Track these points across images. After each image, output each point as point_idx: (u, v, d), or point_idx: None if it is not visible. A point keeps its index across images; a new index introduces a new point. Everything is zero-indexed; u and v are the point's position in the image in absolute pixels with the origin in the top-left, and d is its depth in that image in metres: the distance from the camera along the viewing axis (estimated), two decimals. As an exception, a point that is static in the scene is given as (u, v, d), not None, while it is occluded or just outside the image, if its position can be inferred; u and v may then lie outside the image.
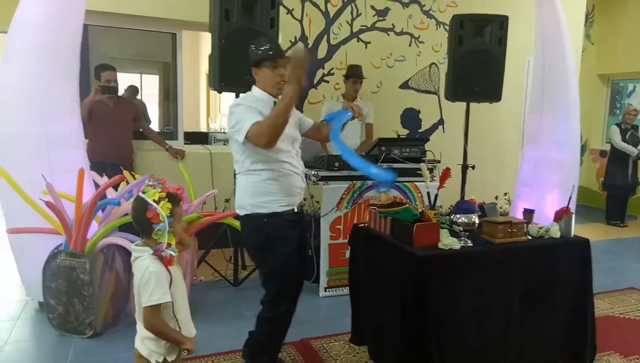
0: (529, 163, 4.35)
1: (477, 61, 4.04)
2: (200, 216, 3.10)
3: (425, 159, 3.73)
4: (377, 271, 2.45)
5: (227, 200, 4.31)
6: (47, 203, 2.69)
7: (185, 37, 4.60)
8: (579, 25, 6.03)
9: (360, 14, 4.96)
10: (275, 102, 2.17)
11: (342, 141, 2.25)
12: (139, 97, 6.33)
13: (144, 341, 1.65)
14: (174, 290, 1.66)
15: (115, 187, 3.11)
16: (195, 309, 3.04)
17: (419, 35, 5.24)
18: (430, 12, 5.25)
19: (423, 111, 5.39)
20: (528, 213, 2.60)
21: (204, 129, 8.25)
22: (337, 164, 3.43)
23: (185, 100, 4.79)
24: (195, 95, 8.67)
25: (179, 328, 1.69)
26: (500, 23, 4.04)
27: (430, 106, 5.40)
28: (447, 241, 2.20)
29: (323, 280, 3.52)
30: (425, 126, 5.42)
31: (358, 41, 4.98)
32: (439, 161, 3.78)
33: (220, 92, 3.57)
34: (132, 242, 2.66)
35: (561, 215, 2.53)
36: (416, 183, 3.63)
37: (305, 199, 2.46)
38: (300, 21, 4.71)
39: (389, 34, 5.11)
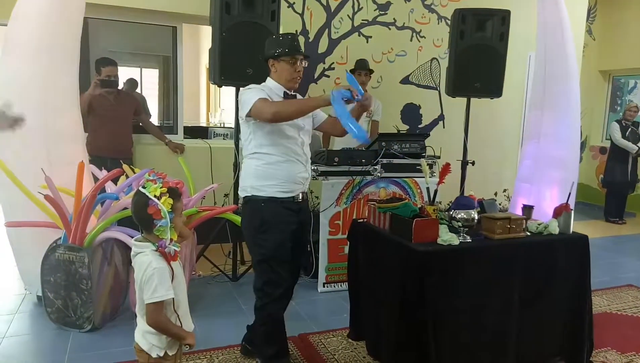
0: (528, 159, 4.34)
1: (478, 56, 4.03)
2: (199, 211, 3.09)
3: (425, 154, 3.73)
4: (376, 266, 2.45)
5: (226, 195, 4.31)
6: (46, 197, 2.69)
7: (185, 31, 4.58)
8: (581, 21, 6.00)
9: (362, 8, 4.93)
10: (285, 93, 2.25)
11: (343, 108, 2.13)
12: (138, 90, 6.32)
13: (145, 335, 1.65)
14: (175, 285, 1.66)
15: (115, 181, 3.11)
16: (193, 304, 3.08)
17: (420, 30, 5.22)
18: (432, 6, 5.23)
19: (423, 107, 5.37)
20: (527, 209, 2.60)
21: (203, 123, 8.23)
22: (336, 159, 3.42)
23: (185, 94, 4.77)
24: (195, 89, 8.65)
25: (180, 323, 1.69)
26: (502, 18, 4.03)
27: (430, 102, 5.39)
28: (446, 237, 2.20)
29: (322, 276, 3.52)
30: (425, 121, 5.41)
31: (359, 35, 4.96)
32: (438, 157, 3.77)
33: (220, 86, 3.56)
34: (131, 237, 2.67)
35: (560, 212, 2.52)
36: (416, 179, 3.63)
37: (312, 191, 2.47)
38: (301, 15, 4.69)
39: (390, 29, 5.09)
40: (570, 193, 2.78)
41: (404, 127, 5.27)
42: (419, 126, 5.37)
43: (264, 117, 2.10)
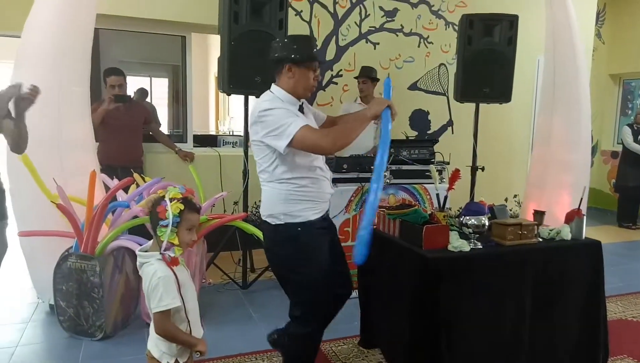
0: (539, 164, 4.31)
1: (486, 61, 4.01)
2: (209, 219, 3.11)
3: (434, 160, 3.71)
4: (386, 273, 2.44)
5: (235, 203, 4.32)
6: (59, 206, 2.72)
7: (194, 40, 4.62)
8: (590, 24, 5.97)
9: (369, 15, 4.95)
10: (300, 107, 2.04)
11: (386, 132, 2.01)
12: (148, 99, 6.38)
13: (157, 343, 1.66)
14: (184, 292, 1.66)
15: (126, 190, 3.13)
16: (204, 312, 3.06)
17: (428, 36, 5.22)
18: (439, 12, 5.23)
19: (432, 112, 5.36)
20: (538, 214, 2.57)
21: (213, 131, 8.29)
22: (345, 165, 3.42)
23: (195, 103, 4.81)
24: (205, 98, 8.71)
25: (190, 330, 1.69)
26: (510, 22, 4.01)
27: (439, 107, 5.38)
28: (457, 244, 2.19)
29: (332, 282, 3.50)
30: (434, 127, 5.39)
31: (367, 42, 4.97)
32: (448, 163, 3.75)
33: (229, 94, 3.59)
34: (141, 245, 2.68)
35: (572, 217, 2.50)
36: (425, 185, 3.61)
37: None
38: (309, 23, 4.72)
39: (397, 35, 5.09)
40: (582, 198, 2.75)
41: (412, 134, 5.26)
42: (428, 132, 5.36)
43: (319, 151, 1.95)
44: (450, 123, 5.44)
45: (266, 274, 3.67)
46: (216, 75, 4.32)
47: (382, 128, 2.01)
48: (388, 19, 5.03)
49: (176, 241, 1.65)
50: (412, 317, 2.16)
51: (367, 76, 4.28)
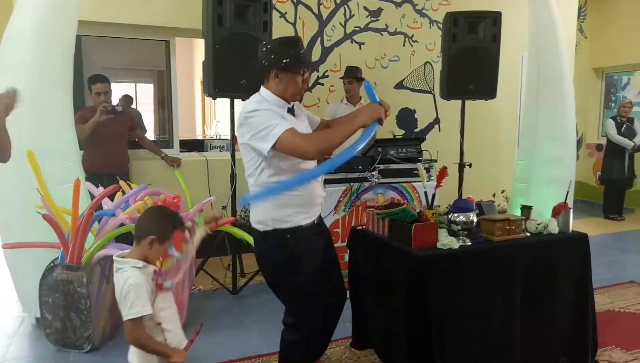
0: (525, 159, 4.34)
1: (471, 58, 4.04)
2: (197, 224, 3.07)
3: (422, 159, 3.72)
4: (377, 273, 2.43)
5: (224, 207, 4.28)
6: (44, 216, 2.67)
7: (178, 45, 4.59)
8: (572, 19, 6.04)
9: (353, 15, 4.96)
10: (289, 109, 1.99)
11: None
12: (133, 105, 6.33)
13: (136, 353, 1.64)
14: (160, 300, 1.64)
15: (112, 197, 3.09)
16: (194, 318, 3.05)
17: (413, 35, 5.24)
18: (423, 11, 5.25)
19: (419, 111, 5.38)
20: (526, 209, 2.59)
21: (199, 136, 8.24)
22: (333, 167, 3.41)
23: (180, 108, 4.77)
24: (191, 102, 8.66)
25: (165, 339, 1.66)
26: (493, 19, 4.04)
27: (425, 105, 5.40)
28: (446, 241, 2.19)
29: (323, 284, 3.49)
30: (421, 125, 5.41)
31: (352, 42, 4.98)
32: (435, 161, 3.76)
33: (214, 98, 3.56)
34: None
35: (559, 211, 2.52)
36: (413, 183, 3.62)
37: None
38: (294, 24, 4.71)
39: (382, 35, 5.10)
40: (568, 192, 2.77)
41: (400, 132, 5.27)
42: (415, 131, 5.38)
43: (301, 155, 1.87)
44: (437, 121, 5.46)
45: (256, 278, 3.65)
46: (202, 79, 4.28)
47: (363, 134, 1.96)
48: (372, 18, 5.04)
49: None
50: (404, 316, 2.16)
51: (353, 76, 4.28)
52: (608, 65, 7.41)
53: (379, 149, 3.56)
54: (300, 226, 1.98)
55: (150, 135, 5.91)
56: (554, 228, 2.46)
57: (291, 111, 2.01)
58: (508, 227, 2.32)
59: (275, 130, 1.82)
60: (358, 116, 1.94)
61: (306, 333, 2.06)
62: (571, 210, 2.54)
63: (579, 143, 7.37)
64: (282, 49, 1.94)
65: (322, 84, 4.87)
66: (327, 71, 4.87)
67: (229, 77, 3.31)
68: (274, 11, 3.80)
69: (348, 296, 2.64)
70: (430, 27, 5.29)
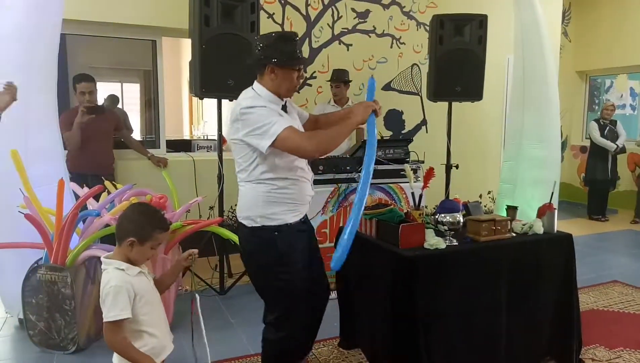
0: (511, 161, 4.39)
1: (457, 60, 4.08)
2: (184, 225, 3.05)
3: (409, 160, 3.74)
4: (365, 273, 2.44)
5: (211, 207, 4.27)
6: (26, 216, 2.63)
7: (165, 44, 4.55)
8: (556, 23, 6.13)
9: (341, 16, 4.97)
10: (283, 106, 1.98)
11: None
12: (119, 105, 6.26)
13: (117, 356, 1.63)
14: (143, 304, 1.62)
15: (97, 198, 3.06)
16: (181, 319, 3.03)
17: (400, 37, 5.27)
18: (411, 13, 5.29)
19: (406, 112, 5.41)
20: (511, 210, 2.62)
21: (187, 136, 8.18)
22: (321, 167, 3.41)
23: (167, 107, 4.73)
24: (178, 102, 8.59)
25: (146, 344, 1.63)
26: (479, 22, 4.09)
27: (413, 107, 5.43)
28: (433, 241, 2.20)
29: (311, 285, 3.49)
30: (408, 126, 5.44)
31: (340, 44, 4.99)
32: (422, 162, 3.79)
33: (201, 98, 3.54)
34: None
35: (544, 211, 2.55)
36: (401, 184, 3.64)
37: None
38: (281, 25, 4.70)
39: (370, 36, 5.12)
40: (552, 193, 2.81)
41: (387, 134, 5.30)
42: (402, 132, 5.41)
43: (301, 154, 1.89)
44: (424, 122, 5.50)
45: (244, 279, 3.63)
46: (189, 79, 4.27)
47: (369, 133, 2.01)
48: (360, 20, 5.06)
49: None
50: (391, 316, 2.17)
51: (341, 80, 4.28)
52: (592, 68, 7.54)
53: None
54: (288, 223, 1.97)
55: (136, 135, 5.85)
56: (539, 228, 2.49)
57: (284, 107, 2.00)
58: (494, 227, 2.34)
59: (274, 128, 1.82)
60: (353, 115, 1.97)
61: (290, 331, 2.05)
62: (556, 211, 2.57)
63: (564, 144, 7.48)
64: (279, 44, 1.92)
65: (310, 85, 4.87)
66: (315, 72, 4.88)
67: (216, 78, 3.29)
68: (261, 12, 3.79)
69: (336, 296, 2.66)
70: (417, 29, 5.33)
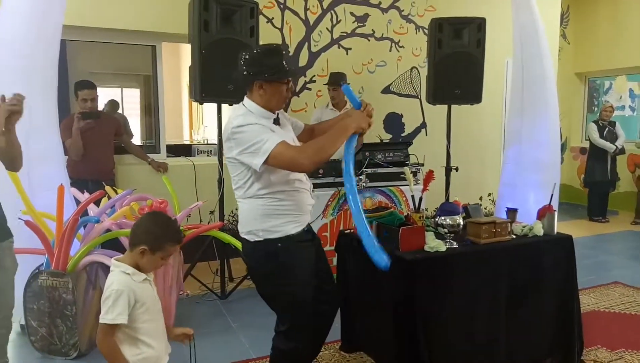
0: (511, 163, 4.40)
1: (456, 64, 4.09)
2: (185, 229, 3.06)
3: (409, 162, 3.75)
4: (365, 277, 2.44)
5: (211, 212, 4.28)
6: (27, 222, 2.64)
7: (165, 49, 4.57)
8: (555, 25, 6.15)
9: (340, 20, 4.99)
10: (275, 120, 1.95)
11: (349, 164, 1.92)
12: (119, 110, 6.28)
13: None
14: (143, 312, 1.63)
15: (97, 203, 3.07)
16: (182, 323, 3.01)
17: (399, 40, 5.28)
18: (409, 16, 5.31)
19: (405, 115, 5.42)
20: (511, 212, 2.62)
21: (187, 141, 8.20)
22: (321, 171, 3.42)
23: (167, 112, 4.75)
24: (178, 107, 8.62)
25: (140, 353, 1.63)
26: (478, 25, 4.10)
27: (412, 110, 5.44)
28: (433, 244, 2.21)
29: (312, 288, 3.49)
30: (408, 130, 5.45)
31: (339, 48, 5.01)
32: (422, 164, 3.80)
33: (201, 103, 3.57)
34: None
35: (544, 213, 2.55)
36: (401, 187, 3.65)
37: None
38: (281, 30, 4.72)
39: (369, 40, 5.14)
40: (552, 194, 2.81)
41: (387, 137, 5.31)
42: (402, 135, 5.42)
43: (296, 169, 1.88)
44: (423, 125, 5.51)
45: (245, 283, 3.64)
46: (188, 84, 4.29)
47: (346, 143, 1.94)
48: (359, 24, 5.08)
49: None
50: (392, 318, 2.17)
51: (338, 83, 4.29)
52: (590, 70, 7.55)
53: (367, 153, 3.59)
54: (290, 235, 1.95)
55: (136, 140, 5.86)
56: (539, 230, 2.49)
57: (277, 121, 1.99)
58: (494, 230, 2.34)
59: (267, 145, 1.80)
60: (347, 125, 1.92)
61: (299, 342, 2.04)
62: (556, 212, 2.58)
63: (563, 146, 7.49)
64: (264, 59, 1.90)
65: (310, 89, 4.89)
66: (314, 76, 4.89)
67: (215, 83, 3.30)
68: (260, 16, 3.81)
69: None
70: (416, 33, 5.35)
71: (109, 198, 3.16)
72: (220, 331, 3.07)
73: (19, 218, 2.67)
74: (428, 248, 2.20)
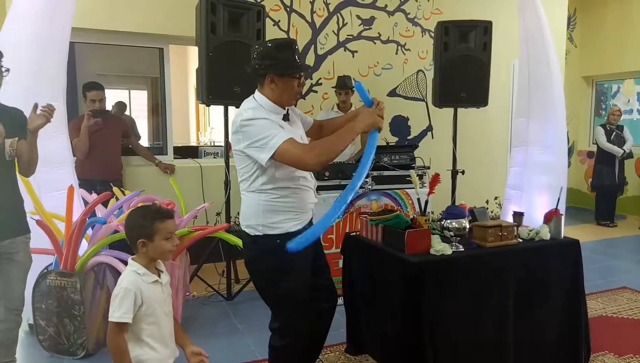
0: (517, 167, 4.39)
1: (462, 67, 4.08)
2: (191, 231, 3.08)
3: (415, 165, 3.75)
4: (371, 279, 2.44)
5: (218, 214, 4.29)
6: (38, 222, 2.66)
7: (172, 52, 4.60)
8: (561, 28, 6.13)
9: (346, 23, 5.00)
10: (285, 115, 1.95)
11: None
12: (127, 112, 6.32)
13: None
14: (149, 314, 1.64)
15: (105, 204, 3.09)
16: (189, 325, 3.05)
17: (405, 43, 5.29)
18: (415, 19, 5.31)
19: (411, 118, 5.42)
20: (517, 216, 2.62)
21: (194, 143, 8.23)
22: (327, 173, 3.43)
23: (174, 114, 4.77)
24: (184, 109, 8.65)
25: (145, 354, 1.64)
26: (484, 28, 4.09)
27: (418, 113, 5.44)
28: (439, 247, 2.21)
29: (317, 290, 3.49)
30: (414, 132, 5.45)
31: (345, 50, 5.02)
32: (428, 168, 3.80)
33: (208, 105, 3.58)
34: (122, 260, 2.66)
35: (551, 217, 2.55)
36: (407, 190, 3.64)
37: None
38: (287, 32, 4.74)
39: (375, 43, 5.15)
40: (559, 198, 2.80)
41: (393, 140, 5.31)
42: (408, 138, 5.41)
43: (302, 167, 1.87)
44: (429, 128, 5.50)
45: (251, 284, 3.62)
46: (195, 86, 4.31)
47: (367, 147, 1.95)
48: (365, 27, 5.09)
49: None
50: (398, 321, 2.17)
51: (348, 87, 4.29)
52: (598, 73, 7.51)
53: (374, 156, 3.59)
54: (290, 232, 1.95)
55: (144, 142, 5.90)
56: (545, 234, 2.48)
57: (286, 117, 1.98)
58: (500, 233, 2.34)
59: (274, 141, 1.80)
60: (356, 123, 1.91)
61: (293, 339, 2.05)
62: (563, 216, 2.57)
63: (571, 150, 7.46)
64: (277, 53, 1.88)
65: (316, 92, 4.90)
66: (320, 78, 4.90)
67: (222, 85, 3.32)
68: (267, 19, 3.83)
69: (342, 302, 2.66)
70: (422, 36, 5.35)
71: (117, 199, 3.18)
72: (226, 332, 3.08)
73: (31, 218, 2.69)
74: (434, 252, 2.20)
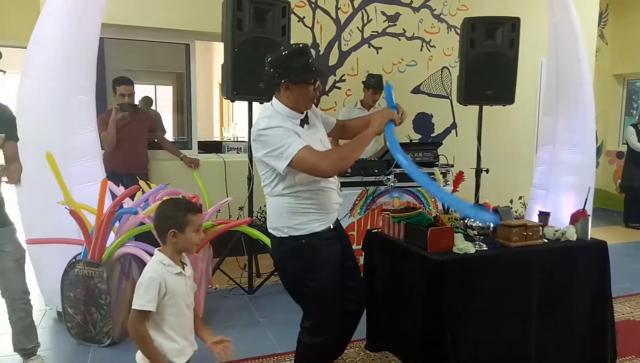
0: (544, 166, 4.30)
1: (489, 64, 4.02)
2: (214, 224, 3.12)
3: (439, 163, 3.72)
4: (393, 276, 2.44)
5: (241, 208, 4.34)
6: (71, 212, 2.74)
7: (198, 47, 4.66)
8: (592, 25, 5.97)
9: (371, 19, 4.98)
10: (303, 120, 1.97)
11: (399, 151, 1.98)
12: (153, 107, 6.44)
13: (141, 356, 1.68)
14: (171, 304, 1.66)
15: (131, 197, 3.16)
16: (210, 317, 3.10)
17: (430, 40, 5.23)
18: (441, 16, 5.25)
19: (435, 116, 5.37)
20: (543, 215, 2.57)
21: (217, 138, 8.34)
22: (349, 170, 3.43)
23: (199, 110, 4.84)
24: (209, 104, 8.77)
25: (161, 345, 1.66)
26: (512, 25, 4.02)
27: (442, 110, 5.38)
28: (462, 246, 2.19)
29: (338, 286, 3.50)
30: (438, 130, 5.40)
31: (369, 47, 5.00)
32: (452, 165, 3.76)
33: (233, 101, 3.62)
34: (148, 252, 2.72)
35: (577, 218, 2.49)
36: (430, 188, 3.61)
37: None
38: (312, 28, 4.75)
39: (400, 39, 5.11)
40: (586, 199, 2.74)
41: (416, 137, 5.27)
42: (432, 135, 5.37)
43: (317, 174, 1.90)
44: (454, 126, 5.44)
45: (272, 278, 3.68)
46: (220, 82, 4.35)
47: (388, 141, 2.01)
48: (390, 23, 5.05)
49: None
50: (419, 319, 2.16)
51: (381, 88, 4.25)
52: (630, 71, 7.29)
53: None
54: (315, 232, 1.98)
55: (169, 136, 5.99)
56: (572, 235, 2.44)
57: (305, 120, 2.00)
58: (525, 233, 2.30)
59: (290, 149, 1.84)
60: (367, 130, 1.97)
61: (324, 337, 2.07)
62: (590, 217, 2.51)
63: (599, 149, 7.26)
64: (289, 61, 1.90)
65: (339, 88, 4.90)
66: (344, 75, 4.89)
67: (247, 81, 3.35)
68: (292, 15, 3.84)
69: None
70: (448, 32, 5.29)
71: (143, 192, 3.25)
72: (247, 325, 3.12)
73: (65, 208, 2.77)
74: (457, 250, 2.18)
